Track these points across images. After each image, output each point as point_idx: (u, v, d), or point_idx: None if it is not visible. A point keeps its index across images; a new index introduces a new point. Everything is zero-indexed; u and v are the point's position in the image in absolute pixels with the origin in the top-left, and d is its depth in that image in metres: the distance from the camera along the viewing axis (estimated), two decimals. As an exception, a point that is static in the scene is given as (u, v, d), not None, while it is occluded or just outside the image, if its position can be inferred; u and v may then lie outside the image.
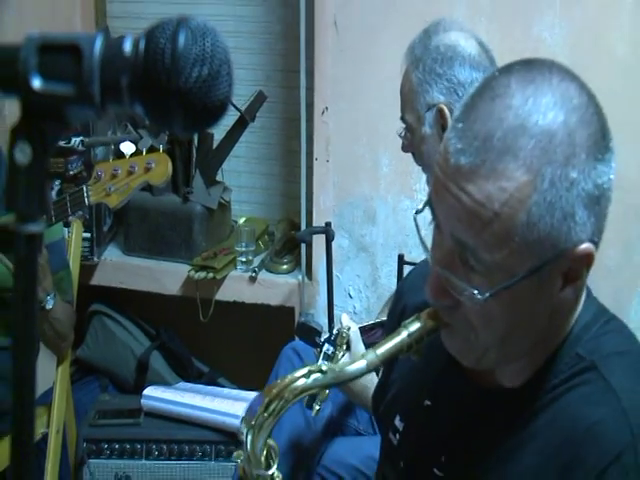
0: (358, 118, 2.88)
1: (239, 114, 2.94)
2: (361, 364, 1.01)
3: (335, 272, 2.90)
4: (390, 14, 2.78)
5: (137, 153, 2.03)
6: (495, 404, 1.06)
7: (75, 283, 2.46)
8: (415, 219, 1.01)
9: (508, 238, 0.89)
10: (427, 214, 1.00)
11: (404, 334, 1.03)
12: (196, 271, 2.97)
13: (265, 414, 1.03)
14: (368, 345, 1.88)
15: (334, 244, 2.77)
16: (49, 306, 2.17)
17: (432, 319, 1.03)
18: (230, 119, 2.97)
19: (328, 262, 2.72)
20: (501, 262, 0.91)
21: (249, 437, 1.04)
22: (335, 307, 2.77)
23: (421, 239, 1.00)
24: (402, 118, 1.89)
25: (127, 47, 0.62)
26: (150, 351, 3.20)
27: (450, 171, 0.91)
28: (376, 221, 2.96)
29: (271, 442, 1.06)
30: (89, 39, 0.62)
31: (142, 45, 0.61)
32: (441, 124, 1.81)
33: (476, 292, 0.92)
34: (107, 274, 3.11)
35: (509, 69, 0.93)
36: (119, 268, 3.11)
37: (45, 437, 2.38)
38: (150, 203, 3.03)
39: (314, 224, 2.94)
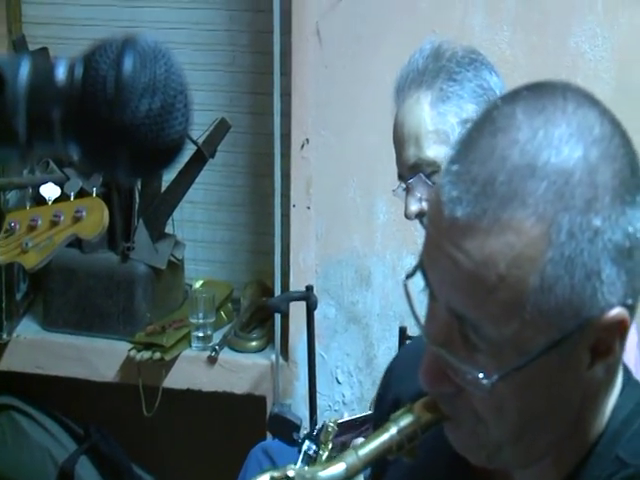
0: (347, 153, 2.92)
1: (195, 148, 2.97)
2: (339, 468, 1.01)
3: (319, 350, 2.91)
4: (388, 22, 2.84)
5: (63, 198, 2.04)
6: None
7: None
8: (405, 286, 1.02)
9: (518, 307, 0.90)
10: (420, 278, 1.02)
11: (393, 430, 1.02)
12: (138, 350, 2.97)
13: None
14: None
15: (317, 314, 2.79)
16: None
17: (429, 411, 1.03)
18: (184, 154, 3.00)
19: (309, 338, 2.73)
20: (510, 337, 0.92)
21: None
22: (319, 396, 2.77)
23: (413, 310, 1.01)
24: (413, 166, 1.88)
25: (60, 73, 0.64)
26: (76, 457, 3.17)
27: (444, 225, 0.92)
28: (371, 284, 2.98)
29: None
30: (13, 63, 0.65)
31: (79, 71, 0.64)
32: None
33: (481, 376, 0.93)
34: (20, 356, 3.10)
35: (514, 96, 0.96)
36: (37, 348, 3.10)
37: None
38: (79, 263, 3.04)
39: (291, 288, 2.96)
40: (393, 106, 1.93)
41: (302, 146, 2.93)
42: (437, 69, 1.87)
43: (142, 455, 3.29)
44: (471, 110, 1.86)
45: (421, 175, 1.89)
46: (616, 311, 0.92)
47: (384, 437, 1.02)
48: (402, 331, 2.59)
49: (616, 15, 2.72)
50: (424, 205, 1.92)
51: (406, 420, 1.03)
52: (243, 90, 3.23)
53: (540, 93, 0.95)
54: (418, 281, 1.01)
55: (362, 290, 2.99)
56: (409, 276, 1.01)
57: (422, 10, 2.80)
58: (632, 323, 0.95)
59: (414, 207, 1.92)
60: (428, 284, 0.97)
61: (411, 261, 2.91)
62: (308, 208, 2.96)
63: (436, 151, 1.87)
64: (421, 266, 0.98)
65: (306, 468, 1.03)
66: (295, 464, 1.85)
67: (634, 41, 2.73)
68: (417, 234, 2.88)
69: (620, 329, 0.94)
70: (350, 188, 2.94)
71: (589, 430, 1.02)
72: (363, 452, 1.02)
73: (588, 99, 0.95)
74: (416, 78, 1.89)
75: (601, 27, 2.74)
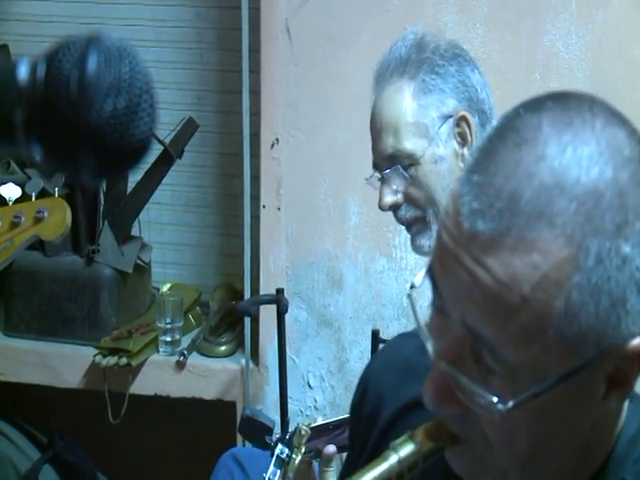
0: (319, 153, 2.93)
1: (162, 148, 2.96)
2: None
3: (290, 354, 2.91)
4: (359, 19, 2.85)
5: (24, 198, 2.03)
6: None
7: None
8: (410, 296, 0.98)
9: (540, 332, 0.88)
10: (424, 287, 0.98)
11: (393, 459, 0.99)
12: (104, 356, 2.96)
13: None
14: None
15: (288, 317, 2.79)
16: None
17: (432, 440, 1.00)
18: (150, 154, 2.99)
19: (280, 342, 2.73)
20: (529, 362, 0.89)
21: None
22: (290, 401, 2.77)
23: (418, 322, 0.97)
24: (389, 157, 1.90)
25: (22, 73, 0.64)
26: (40, 466, 3.15)
27: (463, 239, 0.90)
28: (343, 287, 2.99)
29: None
30: (-29, 62, 0.65)
31: (41, 70, 0.64)
32: (461, 136, 1.88)
33: (495, 400, 0.90)
34: (-19, 362, 3.09)
35: (539, 106, 0.93)
36: (-2, 353, 3.09)
37: None
38: (41, 266, 3.03)
39: (261, 292, 2.96)
40: (371, 94, 1.94)
41: (272, 146, 2.93)
42: (420, 60, 1.87)
43: (108, 463, 3.28)
44: (452, 105, 1.87)
45: (398, 167, 1.90)
46: (638, 341, 0.90)
47: (384, 466, 0.99)
48: (374, 334, 2.60)
49: (590, 13, 2.75)
50: (399, 197, 1.93)
51: (407, 449, 1.00)
52: (211, 89, 3.23)
53: (567, 105, 0.93)
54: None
55: (334, 293, 3.00)
56: (414, 286, 0.98)
57: (394, 7, 2.81)
58: None
59: (389, 199, 1.93)
60: (438, 297, 0.94)
61: (384, 263, 2.92)
62: (278, 209, 2.97)
63: (414, 144, 1.88)
64: (430, 276, 0.95)
65: None
66: (266, 471, 1.86)
67: (608, 39, 2.75)
68: (390, 235, 2.90)
69: (639, 359, 0.92)
70: (321, 189, 2.94)
71: (597, 455, 1.01)
72: None
73: (616, 116, 0.94)
74: (398, 67, 1.89)
75: (575, 25, 2.76)
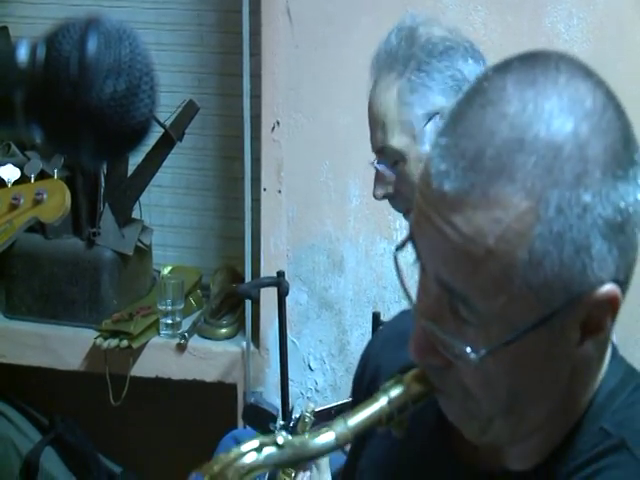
0: (319, 136, 2.93)
1: (162, 131, 2.96)
2: (328, 437, 1.03)
3: (290, 337, 2.92)
4: (360, 1, 2.84)
5: (23, 180, 2.03)
6: None
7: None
8: (395, 258, 1.03)
9: (506, 281, 0.92)
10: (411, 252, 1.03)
11: (383, 401, 1.04)
12: (105, 338, 2.97)
13: None
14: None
15: (289, 300, 2.79)
16: None
17: (419, 383, 1.04)
18: (151, 137, 2.99)
19: (281, 324, 2.74)
20: (499, 312, 0.93)
21: None
22: (291, 383, 2.78)
23: (402, 284, 1.02)
24: (380, 151, 1.93)
25: (22, 55, 0.64)
26: (41, 448, 3.17)
27: (432, 198, 0.94)
28: (344, 270, 2.99)
29: None
30: (-29, 44, 0.65)
31: (41, 52, 0.64)
32: None
33: (468, 350, 0.94)
34: (-19, 345, 3.09)
35: (506, 67, 0.96)
36: (-1, 336, 3.10)
37: None
38: (42, 248, 3.03)
39: (262, 274, 2.96)
40: (369, 80, 1.95)
41: (273, 128, 2.93)
42: (408, 56, 1.87)
43: (109, 445, 3.30)
44: (439, 102, 1.86)
45: (386, 163, 1.92)
46: (607, 287, 0.94)
47: (374, 407, 1.04)
48: (375, 317, 2.61)
49: (592, -6, 2.75)
50: (390, 189, 1.95)
51: (396, 391, 1.04)
52: (211, 71, 3.23)
53: (533, 64, 0.96)
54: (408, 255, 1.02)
55: (335, 275, 3.00)
56: (399, 248, 1.02)
57: (395, -11, 2.80)
58: (623, 295, 0.96)
59: (379, 191, 1.97)
60: (418, 256, 0.99)
61: (385, 246, 2.93)
62: (279, 192, 2.97)
63: (400, 141, 1.90)
64: (412, 237, 0.99)
65: (290, 438, 1.04)
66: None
67: (609, 21, 2.75)
68: (390, 218, 2.90)
69: (611, 306, 0.95)
70: (322, 171, 2.94)
71: (577, 405, 1.05)
72: (353, 422, 1.03)
73: (582, 70, 0.96)
74: (388, 61, 1.90)
75: (576, 7, 2.76)
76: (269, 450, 1.02)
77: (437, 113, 1.86)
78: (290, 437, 1.03)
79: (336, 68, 2.88)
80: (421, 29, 1.90)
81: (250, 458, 1.02)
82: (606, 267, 0.93)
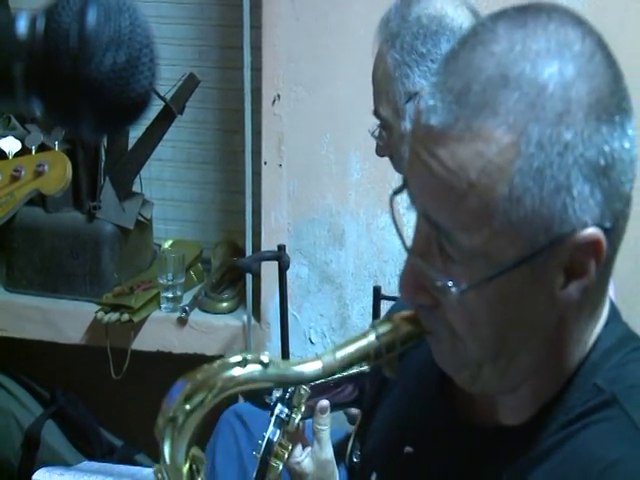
0: (320, 109, 2.92)
1: (163, 104, 2.96)
2: (315, 365, 1.05)
3: (291, 311, 2.92)
4: (361, -28, 2.83)
5: (24, 152, 2.03)
6: (493, 446, 1.10)
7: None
8: (391, 200, 1.05)
9: (487, 216, 0.94)
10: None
11: (371, 336, 1.07)
12: (106, 312, 2.98)
13: (187, 406, 1.06)
14: (333, 408, 1.91)
15: (290, 274, 2.80)
16: None
17: (408, 323, 1.07)
18: (151, 110, 2.99)
19: (282, 298, 2.74)
20: (481, 247, 0.95)
21: (167, 437, 1.07)
22: (291, 357, 2.78)
23: (397, 227, 1.04)
24: (375, 113, 1.95)
25: (21, 27, 0.64)
26: (42, 421, 3.18)
27: (421, 134, 0.97)
28: (345, 243, 3.00)
29: (196, 452, 1.08)
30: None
31: (41, 24, 0.64)
32: None
33: (450, 284, 0.97)
34: (-16, 318, 3.10)
35: (500, 14, 0.99)
36: (0, 310, 3.10)
37: None
38: (43, 221, 3.03)
39: (263, 248, 2.97)
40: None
41: (273, 102, 2.92)
42: (396, 34, 1.87)
43: (110, 419, 3.31)
44: (418, 84, 1.87)
45: (376, 128, 1.96)
46: (590, 231, 0.95)
47: (363, 342, 1.07)
48: (376, 291, 2.61)
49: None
50: (386, 152, 1.97)
51: (385, 327, 1.07)
52: (212, 44, 3.22)
53: (525, 11, 0.98)
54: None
55: (335, 249, 3.01)
56: (397, 192, 1.04)
57: (396, -39, 2.78)
58: (611, 246, 0.97)
59: (379, 150, 1.99)
60: (410, 195, 1.01)
61: (386, 220, 2.92)
62: (280, 166, 2.96)
63: (386, 110, 1.92)
64: (405, 180, 1.01)
65: (276, 358, 1.06)
66: (267, 427, 1.87)
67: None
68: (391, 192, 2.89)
69: (595, 250, 0.96)
70: (323, 145, 2.94)
71: (569, 359, 1.06)
72: (341, 354, 1.06)
73: (574, 19, 0.98)
74: (384, 31, 1.90)
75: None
76: (253, 367, 1.04)
77: (417, 93, 1.86)
78: (276, 358, 1.05)
79: (337, 41, 2.87)
80: (414, 6, 1.88)
81: (234, 372, 1.05)
82: (589, 210, 0.94)
